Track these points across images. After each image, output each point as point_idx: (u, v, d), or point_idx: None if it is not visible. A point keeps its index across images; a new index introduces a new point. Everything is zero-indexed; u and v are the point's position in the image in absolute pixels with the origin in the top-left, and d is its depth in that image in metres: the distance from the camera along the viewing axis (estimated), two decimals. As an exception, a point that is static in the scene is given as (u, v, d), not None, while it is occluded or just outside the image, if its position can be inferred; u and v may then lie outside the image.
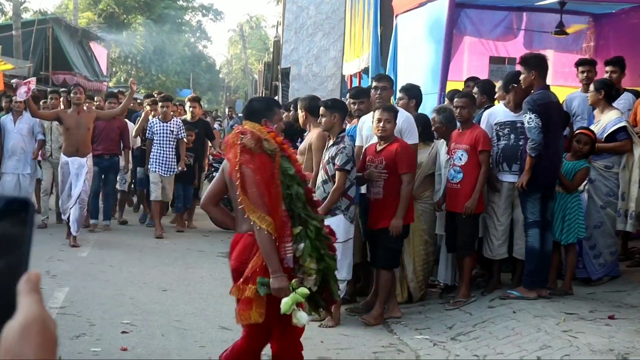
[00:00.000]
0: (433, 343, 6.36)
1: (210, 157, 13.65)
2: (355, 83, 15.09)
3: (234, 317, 6.89)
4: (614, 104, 7.80)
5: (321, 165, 7.15)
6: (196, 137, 12.07)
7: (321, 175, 7.11)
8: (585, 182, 7.45)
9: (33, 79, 10.74)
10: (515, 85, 7.28)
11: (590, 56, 10.38)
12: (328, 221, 6.90)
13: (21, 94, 9.81)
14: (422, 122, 7.68)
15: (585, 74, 8.55)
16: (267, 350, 4.66)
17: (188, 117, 12.52)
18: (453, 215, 7.26)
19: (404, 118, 7.31)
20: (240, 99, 55.39)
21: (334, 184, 6.95)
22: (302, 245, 4.35)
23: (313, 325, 6.97)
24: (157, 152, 11.39)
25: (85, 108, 10.63)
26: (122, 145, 11.70)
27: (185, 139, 11.63)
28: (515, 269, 7.54)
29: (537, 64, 7.04)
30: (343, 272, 7.07)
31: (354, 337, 6.66)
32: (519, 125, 7.21)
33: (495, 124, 7.43)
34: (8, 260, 0.90)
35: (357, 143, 7.55)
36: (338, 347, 6.32)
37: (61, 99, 11.26)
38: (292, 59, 16.97)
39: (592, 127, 7.62)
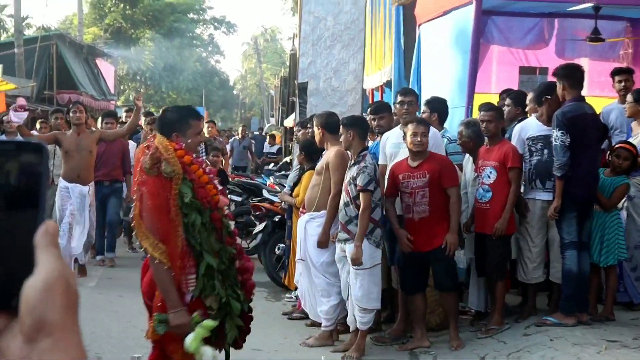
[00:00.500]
0: (464, 374, 6.36)
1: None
2: (377, 97, 15.12)
3: (251, 350, 6.96)
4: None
5: (343, 186, 7.20)
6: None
7: (343, 197, 7.15)
8: (625, 200, 7.43)
9: (21, 99, 10.36)
10: (549, 97, 7.29)
11: (628, 64, 10.34)
12: (350, 248, 6.98)
13: (20, 117, 9.64)
14: None
15: (622, 84, 8.51)
16: None
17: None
18: (482, 237, 7.25)
19: (430, 134, 7.34)
20: (256, 116, 55.71)
21: (355, 206, 6.98)
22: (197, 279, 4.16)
23: (337, 356, 7.00)
24: None
25: (89, 129, 10.19)
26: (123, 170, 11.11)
27: (207, 161, 11.10)
28: (552, 293, 7.51)
29: (565, 74, 7.05)
30: (372, 301, 7.10)
31: (380, 368, 6.66)
32: (552, 139, 7.20)
33: (528, 139, 7.42)
34: (25, 209, 0.88)
35: (381, 162, 7.59)
36: (362, 379, 6.32)
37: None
38: (310, 72, 17.01)
39: (630, 140, 7.59)
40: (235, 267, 4.30)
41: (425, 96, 9.56)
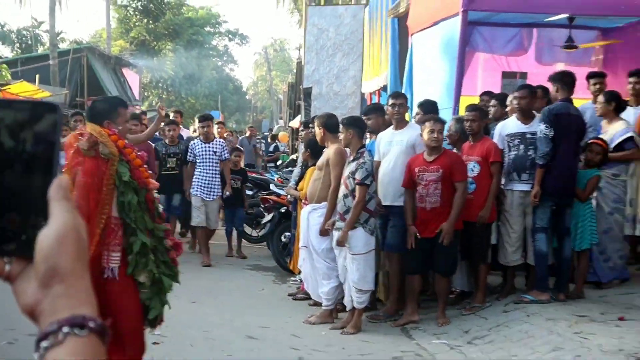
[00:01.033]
0: (450, 347, 6.39)
1: None
2: (375, 100, 15.15)
3: (260, 327, 7.02)
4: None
5: (342, 180, 7.24)
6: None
7: (342, 190, 7.19)
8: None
9: None
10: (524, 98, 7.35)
11: (599, 69, 10.36)
12: (349, 234, 7.03)
13: None
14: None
15: (597, 86, 8.56)
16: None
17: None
18: (467, 224, 7.29)
19: (418, 132, 7.38)
20: (267, 118, 55.67)
21: (353, 198, 7.03)
22: (130, 257, 4.16)
23: (335, 332, 7.05)
24: (199, 175, 10.43)
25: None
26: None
27: (229, 160, 10.89)
28: (529, 274, 7.55)
29: (558, 78, 7.19)
30: (368, 283, 7.16)
31: (374, 343, 6.71)
32: (528, 136, 7.25)
33: (507, 135, 7.47)
34: (39, 174, 0.90)
35: (375, 158, 7.63)
36: (359, 353, 6.36)
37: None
38: (314, 79, 17.04)
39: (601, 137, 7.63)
40: (165, 246, 4.27)
41: (417, 99, 9.61)
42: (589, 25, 11.03)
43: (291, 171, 10.85)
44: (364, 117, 8.04)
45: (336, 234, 7.21)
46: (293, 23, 56.49)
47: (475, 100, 9.30)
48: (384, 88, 14.32)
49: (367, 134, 8.22)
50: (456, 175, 7.01)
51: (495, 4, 9.21)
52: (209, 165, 10.41)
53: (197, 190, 10.38)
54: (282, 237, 10.06)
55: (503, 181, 7.46)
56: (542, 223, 6.94)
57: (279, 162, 19.88)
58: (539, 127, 6.97)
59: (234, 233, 11.28)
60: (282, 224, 10.15)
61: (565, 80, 7.13)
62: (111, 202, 4.14)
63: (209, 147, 10.46)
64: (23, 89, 17.09)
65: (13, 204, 0.90)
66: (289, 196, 9.64)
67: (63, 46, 35.07)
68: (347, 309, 7.32)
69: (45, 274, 0.86)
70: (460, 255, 7.44)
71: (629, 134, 7.54)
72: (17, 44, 44.85)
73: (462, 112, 8.30)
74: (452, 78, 9.07)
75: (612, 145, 7.56)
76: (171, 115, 13.28)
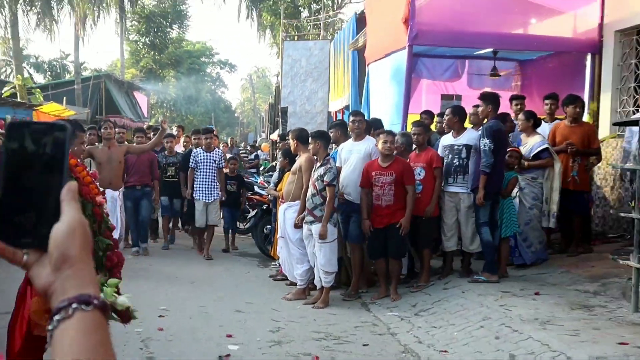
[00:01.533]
0: (400, 318, 6.35)
1: None
2: (339, 117, 15.12)
3: (246, 303, 6.93)
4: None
5: (310, 182, 7.17)
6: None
7: (310, 190, 7.13)
8: (517, 190, 7.48)
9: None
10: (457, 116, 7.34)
11: (518, 93, 10.41)
12: (315, 227, 6.97)
13: None
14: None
15: (519, 106, 8.55)
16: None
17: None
18: (415, 218, 7.24)
19: (374, 143, 7.35)
20: (252, 132, 55.39)
21: (321, 197, 6.97)
22: None
23: (307, 307, 6.98)
24: (201, 181, 9.95)
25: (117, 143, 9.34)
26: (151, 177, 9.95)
27: (224, 169, 10.36)
28: (463, 258, 7.52)
29: (492, 99, 7.05)
30: (333, 266, 7.09)
31: (340, 315, 6.64)
32: (455, 147, 7.26)
33: (443, 146, 7.47)
34: (54, 172, 0.90)
35: (337, 164, 7.56)
36: (327, 323, 6.30)
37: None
38: (289, 100, 16.97)
39: (520, 148, 7.63)
40: (106, 256, 3.71)
41: (373, 116, 9.60)
42: (509, 58, 11.10)
43: (271, 175, 10.74)
44: (330, 131, 7.97)
45: (306, 227, 7.15)
46: (272, 54, 56.01)
47: (419, 118, 9.28)
48: (347, 107, 14.29)
49: (332, 145, 8.15)
50: (407, 179, 6.97)
51: (435, 40, 9.20)
52: (210, 172, 9.97)
53: (199, 195, 9.94)
54: (264, 229, 9.94)
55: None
56: (484, 218, 6.90)
57: (261, 168, 19.71)
58: (482, 140, 6.81)
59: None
60: (264, 218, 10.04)
61: (496, 101, 7.09)
62: None
63: (210, 156, 10.01)
64: (53, 109, 17.15)
65: (31, 204, 0.89)
66: (269, 196, 9.56)
67: (85, 74, 34.47)
68: (317, 288, 7.25)
69: (57, 259, 0.86)
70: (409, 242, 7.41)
71: (544, 146, 7.56)
72: (48, 72, 44.17)
73: (409, 128, 8.29)
74: (401, 99, 9.05)
75: (531, 155, 7.57)
76: (174, 129, 13.22)
